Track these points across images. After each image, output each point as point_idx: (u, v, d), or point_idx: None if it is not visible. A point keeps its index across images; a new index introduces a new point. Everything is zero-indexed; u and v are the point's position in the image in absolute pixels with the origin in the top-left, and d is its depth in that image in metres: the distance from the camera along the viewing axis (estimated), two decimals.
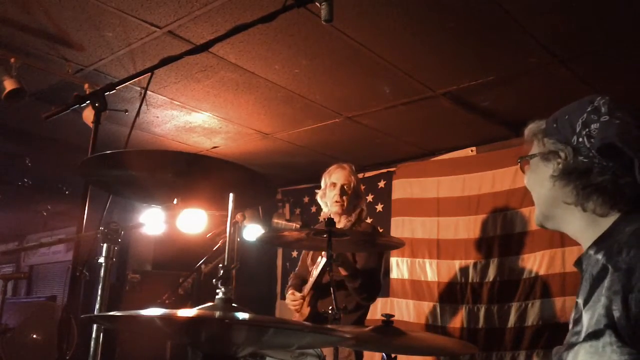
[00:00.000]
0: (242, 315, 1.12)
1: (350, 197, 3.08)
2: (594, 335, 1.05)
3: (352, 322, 2.91)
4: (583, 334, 1.08)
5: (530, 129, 1.32)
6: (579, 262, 1.22)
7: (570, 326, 1.18)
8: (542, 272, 3.60)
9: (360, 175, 4.85)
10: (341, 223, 3.02)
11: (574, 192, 1.19)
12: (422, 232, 4.25)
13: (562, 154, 1.20)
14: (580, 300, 1.15)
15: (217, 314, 1.16)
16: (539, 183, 1.28)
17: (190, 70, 3.21)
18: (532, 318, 3.59)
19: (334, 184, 3.10)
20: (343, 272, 2.84)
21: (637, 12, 2.47)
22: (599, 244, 1.16)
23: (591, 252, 1.17)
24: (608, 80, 3.15)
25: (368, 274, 2.90)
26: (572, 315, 1.19)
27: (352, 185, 3.11)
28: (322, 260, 2.90)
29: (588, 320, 1.08)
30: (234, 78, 3.28)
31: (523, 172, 1.35)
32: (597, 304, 1.06)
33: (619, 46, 2.76)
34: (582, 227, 1.21)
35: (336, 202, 3.05)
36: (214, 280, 1.26)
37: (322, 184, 3.19)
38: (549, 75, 3.08)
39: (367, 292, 2.91)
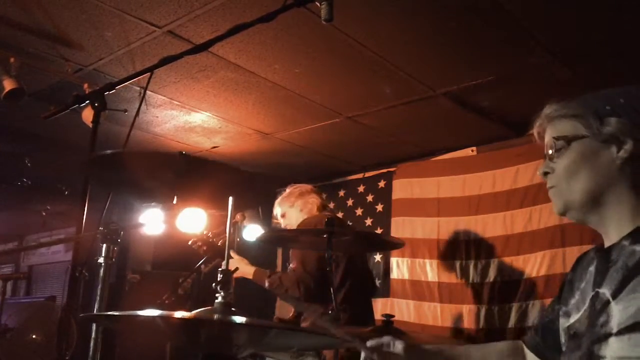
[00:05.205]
0: (239, 319, 1.12)
1: (288, 220, 3.26)
2: (633, 327, 1.04)
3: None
4: (615, 327, 1.07)
5: (557, 110, 1.26)
6: (607, 252, 1.19)
7: (582, 315, 1.18)
8: (542, 272, 3.59)
9: (360, 175, 4.88)
10: None
11: None
12: (423, 232, 4.24)
13: (633, 136, 1.18)
14: (604, 291, 1.14)
15: (216, 316, 1.16)
16: (591, 167, 1.21)
17: (190, 70, 3.20)
18: (532, 318, 3.58)
19: None
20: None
21: (638, 12, 2.46)
22: (636, 235, 1.14)
23: (626, 242, 1.15)
24: (608, 80, 3.14)
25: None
26: (585, 304, 1.18)
27: (279, 214, 3.33)
28: None
29: (620, 311, 1.07)
30: (233, 78, 3.28)
31: (550, 158, 1.26)
32: (635, 296, 1.05)
33: (620, 46, 2.76)
34: (626, 216, 1.18)
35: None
36: (213, 284, 1.26)
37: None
38: (549, 75, 3.07)
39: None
